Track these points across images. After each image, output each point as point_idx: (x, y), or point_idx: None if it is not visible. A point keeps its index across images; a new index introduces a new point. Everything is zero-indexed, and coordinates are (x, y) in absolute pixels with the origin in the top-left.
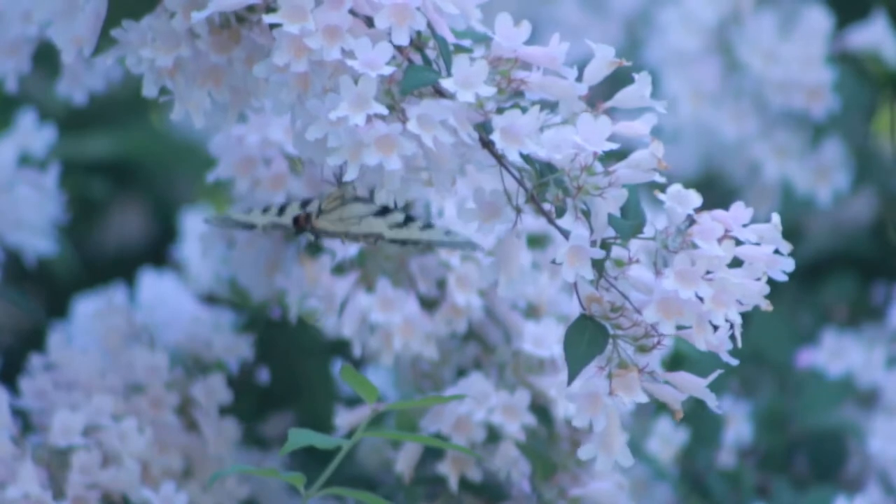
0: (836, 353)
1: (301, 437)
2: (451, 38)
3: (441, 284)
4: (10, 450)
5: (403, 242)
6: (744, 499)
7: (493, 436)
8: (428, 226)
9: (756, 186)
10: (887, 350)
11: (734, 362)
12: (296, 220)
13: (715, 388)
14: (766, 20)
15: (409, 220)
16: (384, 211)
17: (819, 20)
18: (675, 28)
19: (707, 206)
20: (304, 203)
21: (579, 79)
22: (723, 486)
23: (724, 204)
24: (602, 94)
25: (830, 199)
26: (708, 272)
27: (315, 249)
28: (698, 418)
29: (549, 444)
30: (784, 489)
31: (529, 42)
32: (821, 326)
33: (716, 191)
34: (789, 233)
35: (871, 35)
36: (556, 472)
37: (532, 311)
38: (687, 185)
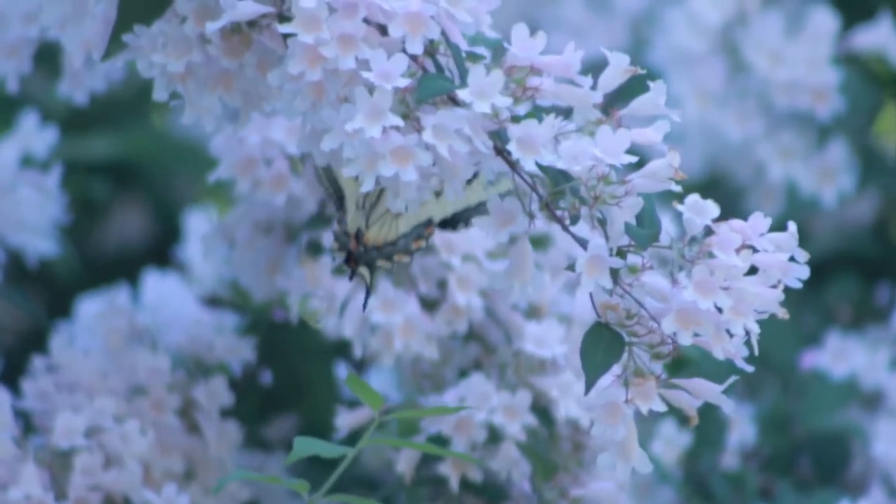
0: (840, 355)
1: (306, 446)
2: (464, 46)
3: (442, 285)
4: (12, 451)
5: (454, 222)
6: (747, 501)
7: (495, 436)
8: (472, 177)
9: (761, 187)
10: (891, 352)
11: (749, 369)
12: (348, 257)
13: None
14: (771, 21)
15: None
16: None
17: (825, 21)
18: (681, 28)
19: None
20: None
21: (594, 87)
22: (726, 489)
23: (729, 204)
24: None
25: (835, 201)
26: (725, 281)
27: (316, 250)
28: (702, 420)
29: (550, 445)
30: (787, 491)
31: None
32: (824, 328)
33: (721, 191)
34: None
35: (877, 36)
36: (557, 473)
37: (533, 312)
38: (692, 186)
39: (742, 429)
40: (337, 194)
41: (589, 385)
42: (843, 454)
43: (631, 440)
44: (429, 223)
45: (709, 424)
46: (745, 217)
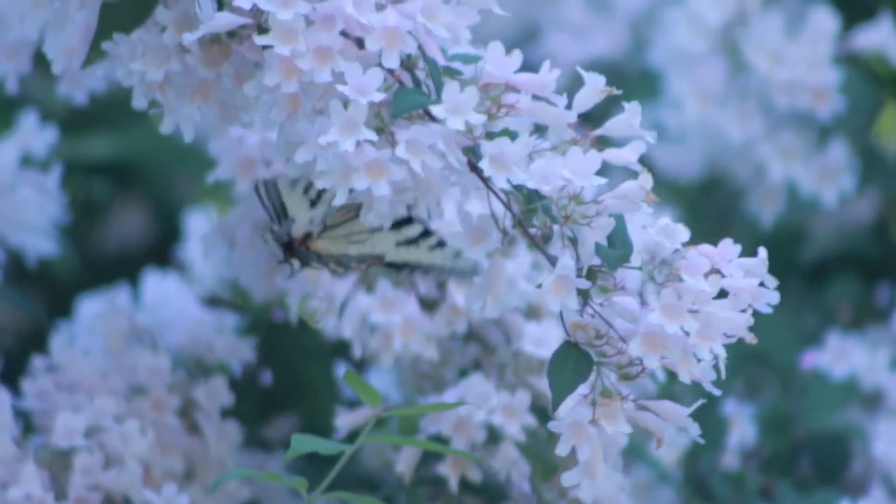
0: (840, 355)
1: (304, 444)
2: (441, 61)
3: (441, 285)
4: (12, 451)
5: (401, 267)
6: (747, 501)
7: (494, 437)
8: (440, 244)
9: (761, 187)
10: (891, 352)
11: (717, 392)
12: (288, 245)
13: (719, 389)
14: (772, 21)
15: (426, 234)
16: (400, 223)
17: (825, 21)
18: (681, 28)
19: (712, 207)
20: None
21: (569, 106)
22: (726, 489)
23: (729, 205)
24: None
25: (836, 201)
26: (693, 305)
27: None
28: (702, 421)
29: (550, 445)
30: (787, 491)
31: (531, 46)
32: (825, 328)
33: (721, 192)
34: (794, 234)
35: (877, 36)
36: (557, 473)
37: (532, 312)
38: (692, 187)
39: (742, 429)
40: (277, 210)
41: (555, 404)
42: (843, 454)
43: (597, 459)
44: (378, 257)
45: (709, 425)
46: (746, 218)
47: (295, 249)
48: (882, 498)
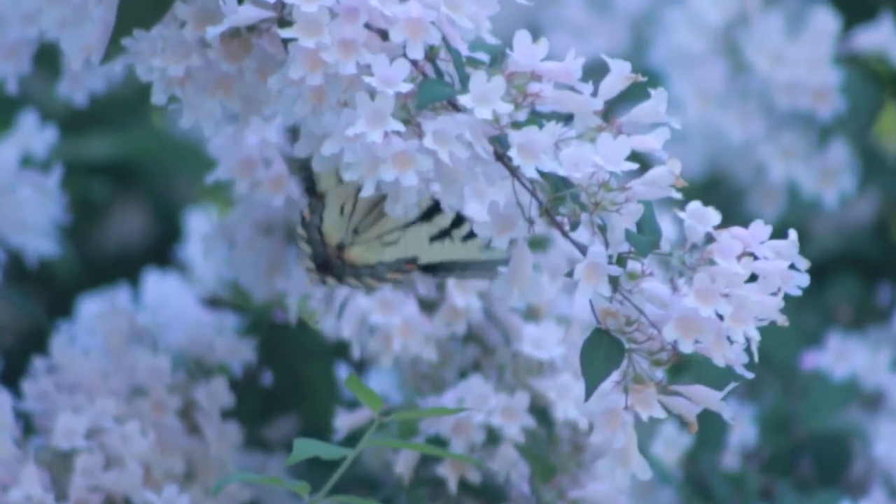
0: (841, 355)
1: (307, 448)
2: (464, 51)
3: (440, 286)
4: (13, 452)
5: (436, 270)
6: (748, 501)
7: (493, 438)
8: (472, 233)
9: (762, 188)
10: (892, 352)
11: (749, 375)
12: (325, 263)
13: (724, 385)
14: (772, 21)
15: (459, 221)
16: (430, 213)
17: (826, 21)
18: (682, 28)
19: (713, 207)
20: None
21: (594, 93)
22: (727, 489)
23: (730, 205)
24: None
25: (837, 201)
26: (726, 288)
27: None
28: (702, 421)
29: (549, 446)
30: (788, 492)
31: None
32: (826, 328)
33: (722, 192)
34: None
35: (878, 36)
36: (556, 474)
37: (532, 313)
38: (693, 187)
39: (743, 429)
40: (310, 185)
41: (589, 391)
42: (843, 455)
43: (630, 446)
44: (413, 261)
45: (709, 425)
46: (746, 218)
47: (330, 264)
48: (883, 498)
